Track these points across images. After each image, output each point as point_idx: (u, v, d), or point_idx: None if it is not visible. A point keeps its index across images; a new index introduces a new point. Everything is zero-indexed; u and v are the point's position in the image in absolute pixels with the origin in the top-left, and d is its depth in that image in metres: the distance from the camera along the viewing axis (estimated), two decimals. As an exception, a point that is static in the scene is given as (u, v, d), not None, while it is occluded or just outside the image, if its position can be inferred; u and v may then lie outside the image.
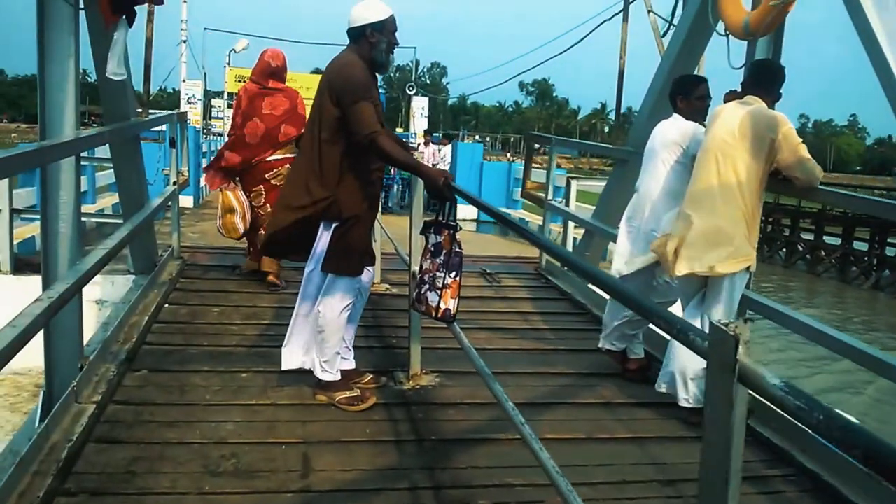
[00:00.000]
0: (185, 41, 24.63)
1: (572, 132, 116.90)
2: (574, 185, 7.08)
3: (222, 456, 2.92)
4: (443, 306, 2.98)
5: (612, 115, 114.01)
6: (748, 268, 3.49)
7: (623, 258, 4.15)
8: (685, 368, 3.53)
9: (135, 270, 5.48)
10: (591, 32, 8.62)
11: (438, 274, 2.98)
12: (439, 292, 2.96)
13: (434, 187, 3.04)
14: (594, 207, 6.18)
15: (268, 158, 5.61)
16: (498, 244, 11.16)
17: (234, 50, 26.82)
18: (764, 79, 3.57)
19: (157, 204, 5.01)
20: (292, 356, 3.50)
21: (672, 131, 3.97)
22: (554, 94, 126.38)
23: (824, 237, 26.82)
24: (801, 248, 27.74)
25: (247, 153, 5.58)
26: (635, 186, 4.24)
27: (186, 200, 12.57)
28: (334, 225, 3.29)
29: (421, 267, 3.16)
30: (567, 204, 6.88)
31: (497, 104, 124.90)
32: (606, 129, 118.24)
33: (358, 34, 3.30)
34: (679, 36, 4.61)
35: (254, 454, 2.96)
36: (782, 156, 3.38)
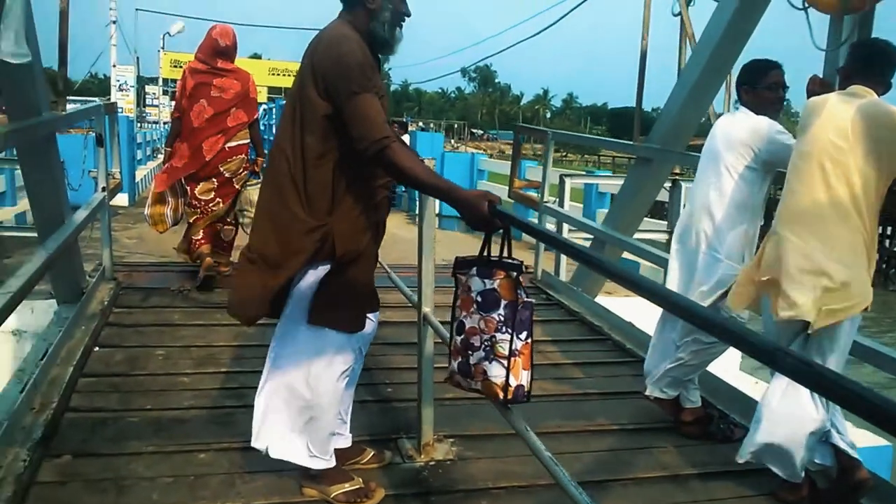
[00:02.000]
0: (114, 22, 22.97)
1: (515, 118, 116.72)
2: (568, 183, 6.22)
3: None
4: (513, 383, 2.07)
5: (555, 101, 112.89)
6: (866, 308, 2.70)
7: (679, 288, 3.33)
8: (795, 433, 2.71)
9: (57, 299, 4.43)
10: (568, 13, 7.76)
11: (500, 336, 2.08)
12: (506, 362, 2.06)
13: (476, 217, 2.13)
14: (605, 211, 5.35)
15: (220, 147, 5.12)
16: (467, 243, 10.30)
17: (168, 33, 25.25)
18: (876, 64, 2.79)
19: (81, 220, 4.00)
20: (267, 436, 2.57)
21: (740, 130, 3.16)
22: (497, 81, 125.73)
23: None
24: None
25: (193, 140, 5.09)
26: (688, 197, 3.43)
27: (121, 198, 11.32)
28: (328, 265, 2.38)
29: (458, 323, 2.24)
30: (561, 205, 6.03)
31: (439, 90, 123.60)
32: (548, 114, 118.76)
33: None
34: (725, 10, 3.79)
35: None
36: None
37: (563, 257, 6.00)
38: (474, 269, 2.20)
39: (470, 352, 2.16)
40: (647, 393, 3.46)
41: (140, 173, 15.91)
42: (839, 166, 2.64)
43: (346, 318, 2.44)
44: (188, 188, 5.25)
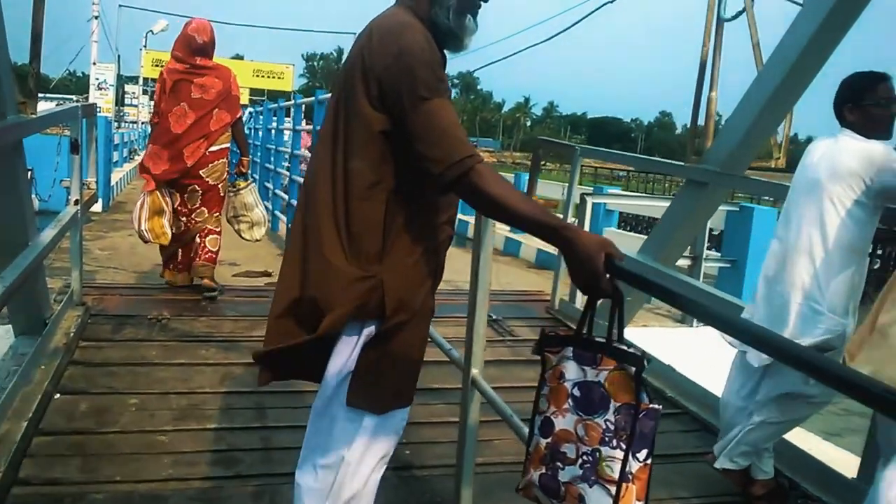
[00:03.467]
0: (96, 17, 22.19)
1: (496, 126, 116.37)
2: (590, 201, 5.68)
3: None
4: (622, 515, 1.51)
5: (535, 110, 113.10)
6: None
7: None
8: None
9: (15, 330, 3.81)
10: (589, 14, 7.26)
11: (607, 451, 1.50)
12: (614, 489, 1.48)
13: (589, 272, 1.54)
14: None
15: (202, 153, 4.86)
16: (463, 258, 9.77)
17: (151, 31, 24.53)
18: None
19: (48, 241, 3.42)
20: None
21: (848, 157, 2.65)
22: (479, 87, 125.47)
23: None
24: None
25: (175, 147, 4.81)
26: (776, 233, 2.91)
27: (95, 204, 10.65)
28: (372, 327, 1.82)
29: (544, 420, 1.66)
30: (580, 226, 5.50)
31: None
32: (529, 123, 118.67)
33: None
34: (815, 12, 3.22)
35: None
36: None
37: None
38: (569, 349, 1.63)
39: (560, 464, 1.58)
40: (716, 465, 2.92)
41: (116, 176, 15.21)
42: None
43: (391, 394, 1.87)
44: (174, 197, 4.96)
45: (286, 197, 8.89)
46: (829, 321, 2.66)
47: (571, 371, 1.58)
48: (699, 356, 4.11)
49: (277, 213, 9.58)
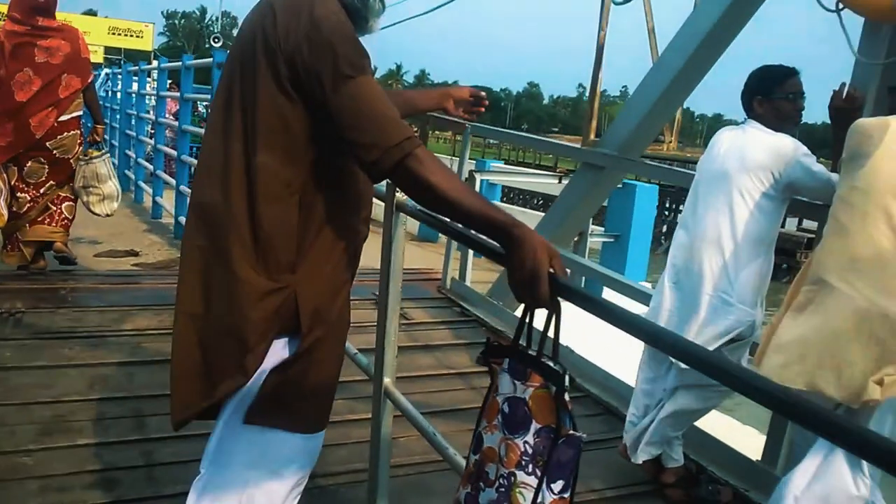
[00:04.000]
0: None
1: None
2: (478, 178, 5.54)
3: None
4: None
5: (407, 77, 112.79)
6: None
7: (668, 324, 2.78)
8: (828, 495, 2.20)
9: None
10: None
11: (522, 476, 1.34)
12: None
13: (532, 277, 1.36)
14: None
15: (51, 123, 4.47)
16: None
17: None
18: None
19: None
20: None
21: (758, 150, 2.64)
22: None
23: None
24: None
25: (20, 118, 4.37)
26: (682, 222, 2.87)
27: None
28: (284, 341, 1.57)
29: (477, 438, 1.49)
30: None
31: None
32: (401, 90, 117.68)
33: None
34: (716, 4, 3.19)
35: None
36: None
37: (470, 260, 5.34)
38: (506, 361, 1.47)
39: (482, 484, 1.43)
40: (633, 460, 2.88)
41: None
42: None
43: (304, 415, 1.64)
44: (11, 172, 4.51)
45: (150, 167, 8.26)
46: (739, 312, 2.65)
47: (505, 384, 1.44)
48: (598, 336, 4.09)
49: (142, 183, 8.91)
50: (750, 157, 2.62)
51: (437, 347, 4.15)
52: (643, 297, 3.85)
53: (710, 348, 2.62)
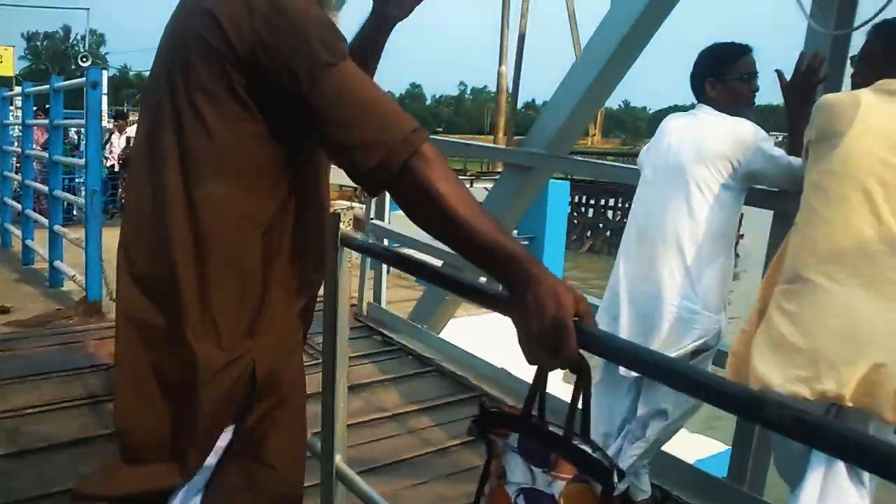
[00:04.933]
0: None
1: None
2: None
3: None
4: None
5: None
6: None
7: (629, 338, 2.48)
8: None
9: None
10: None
11: None
12: None
13: (552, 330, 1.02)
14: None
15: None
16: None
17: None
18: None
19: None
20: None
21: (715, 137, 2.41)
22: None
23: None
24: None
25: None
26: (634, 224, 2.60)
27: None
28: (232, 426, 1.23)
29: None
30: (381, 216, 4.93)
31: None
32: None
33: None
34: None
35: None
36: None
37: (385, 279, 4.95)
38: (515, 436, 1.14)
39: None
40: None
41: None
42: (893, 192, 1.93)
43: None
44: None
45: (18, 206, 7.45)
46: (705, 320, 2.42)
47: (517, 471, 1.12)
48: (508, 343, 3.83)
49: (9, 225, 8.04)
50: (707, 145, 2.40)
51: (362, 387, 3.75)
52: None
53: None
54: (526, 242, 7.45)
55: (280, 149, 1.19)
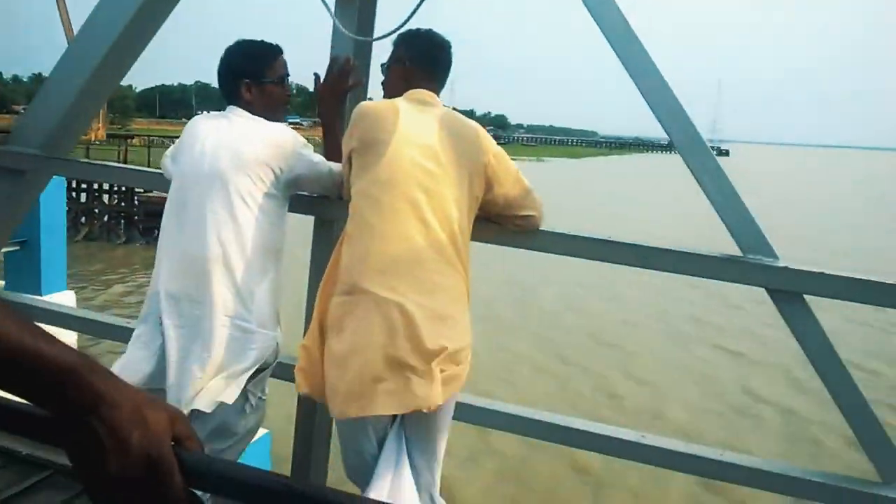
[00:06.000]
0: None
1: None
2: None
3: None
4: None
5: None
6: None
7: (178, 376, 2.19)
8: None
9: None
10: None
11: None
12: None
13: (144, 469, 0.70)
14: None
15: None
16: None
17: None
18: (441, 64, 2.32)
19: None
20: None
21: (253, 143, 2.25)
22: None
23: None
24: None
25: None
26: (169, 241, 2.28)
27: None
28: None
29: None
30: None
31: None
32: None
33: None
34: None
35: None
36: (502, 189, 2.20)
37: None
38: None
39: None
40: None
41: None
42: (435, 198, 2.06)
43: None
44: None
45: None
46: (262, 338, 2.24)
47: None
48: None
49: None
50: (246, 152, 2.21)
51: None
52: (100, 329, 3.11)
53: (240, 386, 2.17)
54: (17, 248, 6.33)
55: None
